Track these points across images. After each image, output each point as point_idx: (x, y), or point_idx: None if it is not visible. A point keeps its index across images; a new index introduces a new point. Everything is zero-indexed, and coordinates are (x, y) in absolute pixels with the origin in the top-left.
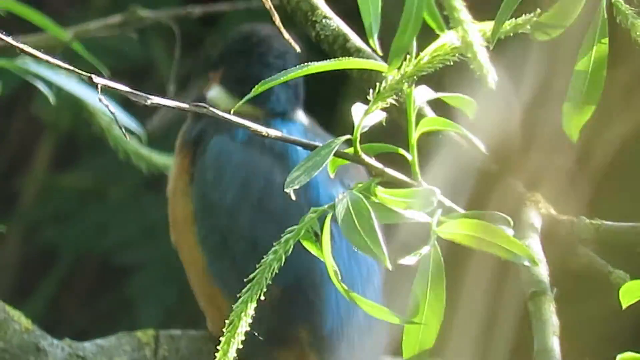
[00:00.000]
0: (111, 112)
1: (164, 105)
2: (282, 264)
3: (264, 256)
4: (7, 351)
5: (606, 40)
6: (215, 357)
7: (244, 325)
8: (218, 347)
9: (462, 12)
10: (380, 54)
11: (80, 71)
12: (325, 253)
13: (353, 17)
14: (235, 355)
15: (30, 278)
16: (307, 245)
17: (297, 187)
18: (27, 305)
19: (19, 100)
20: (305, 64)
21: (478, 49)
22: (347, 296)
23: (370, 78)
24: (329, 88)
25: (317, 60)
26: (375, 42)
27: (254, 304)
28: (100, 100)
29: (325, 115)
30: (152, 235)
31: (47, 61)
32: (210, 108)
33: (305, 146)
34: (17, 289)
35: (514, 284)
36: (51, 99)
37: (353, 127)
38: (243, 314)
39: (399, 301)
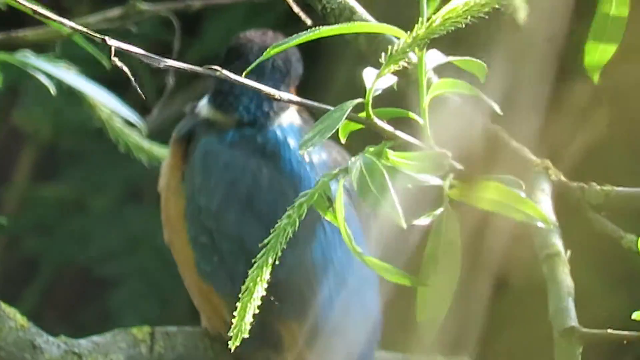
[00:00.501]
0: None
1: (177, 68)
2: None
3: (255, 253)
4: (2, 349)
5: None
6: (211, 352)
7: (259, 290)
8: (214, 343)
9: None
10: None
11: (94, 34)
12: (338, 217)
13: None
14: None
15: (12, 289)
16: (320, 210)
17: (310, 149)
18: None
19: (0, 111)
20: (316, 28)
21: None
22: (359, 258)
23: (375, 48)
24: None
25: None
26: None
27: (269, 269)
28: (113, 63)
29: (327, 84)
30: (134, 246)
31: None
32: (223, 71)
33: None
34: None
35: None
36: (52, 90)
37: (357, 92)
38: (258, 278)
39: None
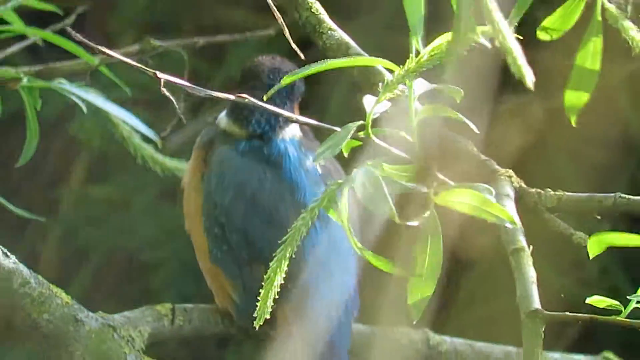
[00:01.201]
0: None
1: (217, 97)
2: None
3: (258, 244)
4: (51, 322)
5: (600, 38)
6: (222, 325)
7: (278, 279)
8: (224, 318)
9: (501, 21)
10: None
11: (146, 69)
12: (342, 216)
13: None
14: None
15: (67, 273)
16: (328, 212)
17: (322, 161)
18: None
19: (58, 125)
20: (324, 61)
21: (518, 54)
22: (360, 252)
23: (367, 78)
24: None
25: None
26: (419, 41)
27: (287, 262)
28: (163, 92)
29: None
30: (169, 236)
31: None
32: (250, 98)
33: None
34: (56, 282)
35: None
36: (84, 108)
37: (349, 115)
38: (278, 269)
39: None
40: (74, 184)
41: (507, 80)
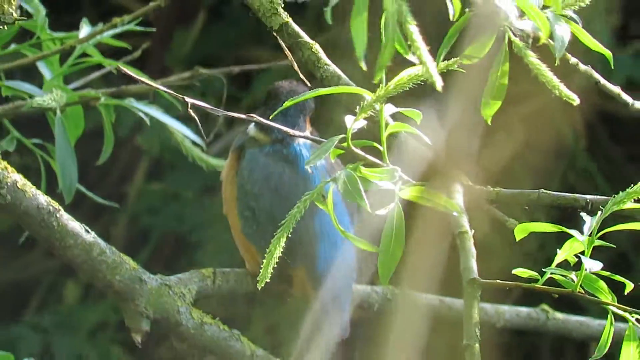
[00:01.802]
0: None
1: (229, 115)
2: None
3: (279, 222)
4: (122, 282)
5: (507, 63)
6: (252, 285)
7: (278, 252)
8: (253, 279)
9: (419, 42)
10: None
11: (176, 94)
12: (329, 207)
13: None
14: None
15: (132, 251)
16: (318, 203)
17: (312, 165)
18: None
19: (126, 138)
20: (320, 87)
21: (430, 65)
22: (342, 233)
23: (354, 101)
24: (328, 109)
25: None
26: (362, 62)
27: (284, 239)
28: (191, 112)
29: (326, 125)
30: (211, 222)
31: (145, 100)
32: (258, 118)
33: (315, 142)
34: None
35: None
36: (147, 122)
37: (339, 128)
38: (277, 245)
39: None
40: (137, 181)
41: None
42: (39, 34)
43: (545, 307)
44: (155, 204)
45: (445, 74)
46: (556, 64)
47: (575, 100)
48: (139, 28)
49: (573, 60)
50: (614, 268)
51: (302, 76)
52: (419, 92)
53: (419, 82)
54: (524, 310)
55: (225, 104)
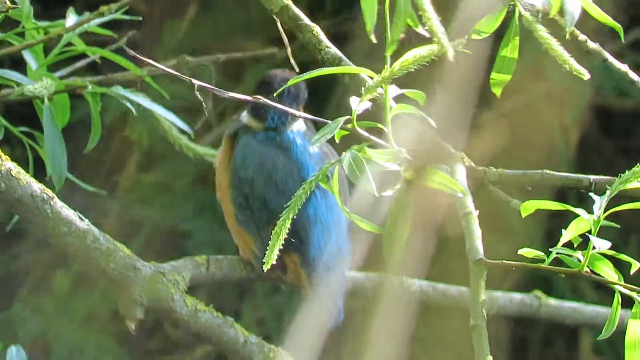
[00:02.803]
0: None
1: (235, 97)
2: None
3: (273, 209)
4: (116, 269)
5: (517, 37)
6: (245, 272)
7: (283, 233)
8: (246, 266)
9: (431, 13)
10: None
11: (184, 77)
12: (334, 188)
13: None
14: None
15: (123, 240)
16: (322, 184)
17: (317, 144)
18: None
19: (115, 129)
20: (319, 69)
21: (442, 35)
22: (347, 214)
23: (356, 84)
24: (324, 91)
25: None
26: (372, 35)
27: (290, 221)
28: (196, 92)
29: (322, 107)
30: (202, 212)
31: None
32: (264, 100)
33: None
34: None
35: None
36: (134, 111)
37: (345, 110)
38: (283, 225)
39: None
40: (128, 172)
41: (484, 97)
42: (24, 23)
43: (539, 293)
44: (147, 194)
45: (435, 64)
46: (566, 38)
47: (586, 75)
48: (125, 17)
49: (582, 37)
50: (621, 239)
51: (294, 64)
52: (409, 82)
53: (417, 66)
54: (517, 296)
55: (216, 95)
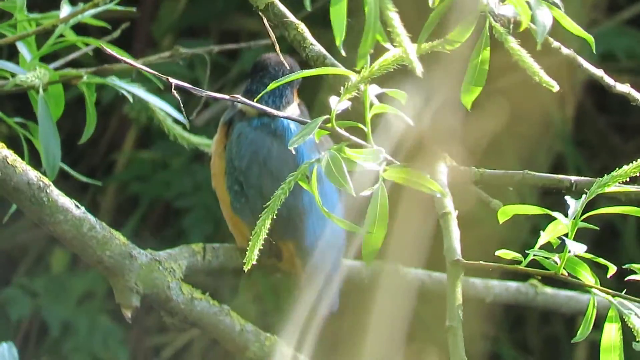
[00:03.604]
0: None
1: (212, 96)
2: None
3: (268, 196)
4: (112, 257)
5: (488, 48)
6: (240, 260)
7: (264, 232)
8: (242, 254)
9: (400, 29)
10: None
11: (160, 75)
12: (313, 187)
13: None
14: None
15: (121, 216)
16: (302, 183)
17: (296, 145)
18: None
19: (114, 107)
20: (300, 71)
21: (410, 51)
22: (325, 214)
23: (339, 82)
24: (312, 86)
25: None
26: (342, 49)
27: (270, 220)
28: (173, 91)
29: (310, 102)
30: (198, 189)
31: (130, 79)
32: (241, 98)
33: (299, 122)
34: (113, 224)
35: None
36: (130, 99)
37: (330, 110)
38: (263, 226)
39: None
40: (126, 149)
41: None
42: (16, 14)
43: (534, 282)
44: (144, 171)
45: (429, 54)
46: (537, 49)
47: (554, 87)
48: (120, 7)
49: (555, 44)
50: (601, 239)
51: (281, 56)
52: (404, 72)
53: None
54: (512, 285)
55: (213, 73)
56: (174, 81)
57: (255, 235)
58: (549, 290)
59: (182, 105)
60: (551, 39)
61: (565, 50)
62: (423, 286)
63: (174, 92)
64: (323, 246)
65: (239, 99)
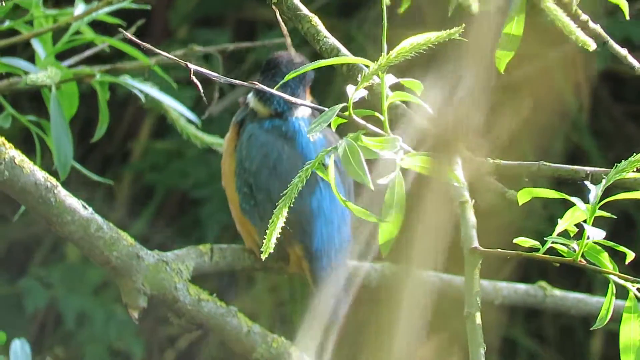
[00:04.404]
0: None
1: (232, 83)
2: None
3: (277, 200)
4: (119, 258)
5: (523, 14)
6: (248, 261)
7: (280, 221)
8: (250, 255)
9: None
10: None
11: (180, 60)
12: (330, 175)
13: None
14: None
15: (137, 206)
16: (319, 172)
17: (314, 133)
18: (135, 224)
19: (130, 96)
20: (317, 61)
21: None
22: (343, 203)
23: (353, 75)
24: (325, 81)
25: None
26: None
27: (286, 209)
28: (193, 78)
29: (324, 98)
30: (214, 179)
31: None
32: (261, 86)
33: (316, 109)
34: (129, 214)
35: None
36: (142, 98)
37: (345, 99)
38: (280, 214)
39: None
40: (141, 139)
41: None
42: (32, 11)
43: (543, 283)
44: (160, 161)
45: (451, 43)
46: (573, 11)
47: (591, 46)
48: (133, 6)
49: (584, 17)
50: (617, 230)
51: (293, 52)
52: (423, 62)
53: (422, 51)
54: (521, 287)
55: (229, 63)
56: (192, 67)
57: (273, 223)
58: (557, 292)
59: (202, 92)
60: (580, 11)
61: (592, 25)
62: (435, 290)
63: (193, 77)
64: (331, 250)
65: (258, 85)
